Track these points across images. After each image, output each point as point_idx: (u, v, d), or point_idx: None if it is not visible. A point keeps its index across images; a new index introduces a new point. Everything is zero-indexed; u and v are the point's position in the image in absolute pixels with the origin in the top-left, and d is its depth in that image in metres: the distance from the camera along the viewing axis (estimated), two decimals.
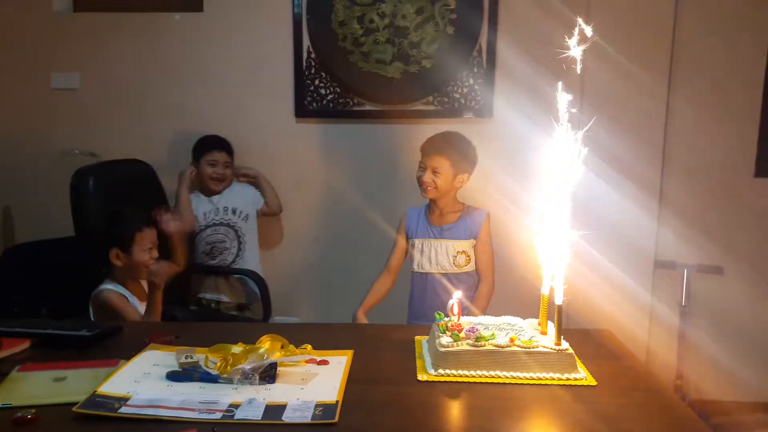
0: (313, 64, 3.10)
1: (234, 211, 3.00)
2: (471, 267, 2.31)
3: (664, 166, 2.93)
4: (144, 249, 2.06)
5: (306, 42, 3.09)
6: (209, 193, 2.99)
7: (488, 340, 1.44)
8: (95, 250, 2.15)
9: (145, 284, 2.12)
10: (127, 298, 2.07)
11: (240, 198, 3.03)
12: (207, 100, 3.17)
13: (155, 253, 2.09)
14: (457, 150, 2.26)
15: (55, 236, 3.17)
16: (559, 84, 1.49)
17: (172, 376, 1.38)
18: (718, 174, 2.94)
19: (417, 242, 2.32)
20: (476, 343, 1.43)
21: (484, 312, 2.29)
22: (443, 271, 2.29)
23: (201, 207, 2.98)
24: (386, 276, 2.39)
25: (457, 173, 2.25)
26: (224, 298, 2.96)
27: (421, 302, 2.30)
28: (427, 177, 2.22)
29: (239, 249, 3.01)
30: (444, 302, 1.70)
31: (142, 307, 2.07)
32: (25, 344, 1.60)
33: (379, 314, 2.44)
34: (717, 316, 2.99)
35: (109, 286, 2.08)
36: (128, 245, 2.06)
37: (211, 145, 2.97)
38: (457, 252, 2.28)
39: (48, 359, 1.50)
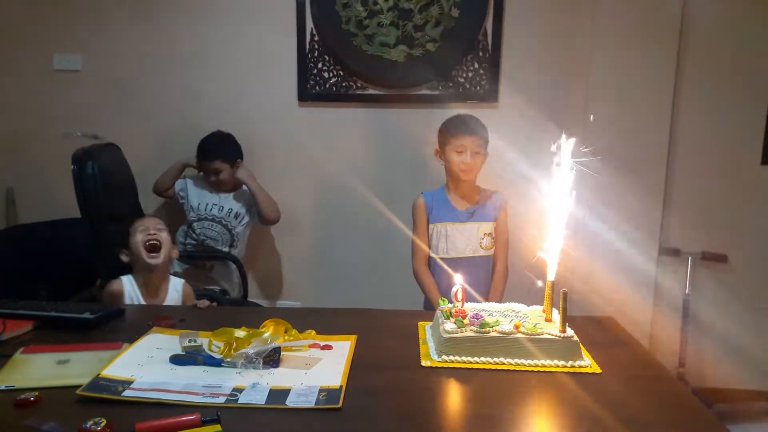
0: (316, 47, 3.07)
1: (237, 216, 2.94)
2: (493, 249, 2.31)
3: (670, 152, 2.90)
4: (139, 232, 2.07)
5: (309, 24, 3.05)
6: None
7: (492, 326, 1.44)
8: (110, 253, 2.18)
9: (167, 289, 2.12)
10: (120, 294, 2.05)
11: (247, 203, 2.97)
12: (209, 83, 3.14)
13: (152, 231, 2.07)
14: (486, 130, 2.27)
15: (58, 217, 3.19)
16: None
17: (176, 360, 1.38)
18: (724, 161, 2.92)
19: (441, 227, 2.27)
20: (480, 329, 1.43)
21: (503, 296, 2.28)
22: (471, 255, 2.26)
23: (205, 198, 2.94)
24: (427, 268, 2.32)
25: (487, 154, 2.27)
26: (211, 287, 2.93)
27: (448, 288, 2.25)
28: (470, 159, 2.19)
29: (228, 252, 2.95)
30: (472, 287, 1.69)
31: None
32: (28, 326, 1.60)
33: (384, 301, 2.43)
34: (721, 304, 2.99)
35: (122, 278, 2.10)
36: (128, 241, 2.08)
37: (205, 154, 2.89)
38: (484, 234, 2.27)
39: (51, 341, 1.50)
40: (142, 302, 2.04)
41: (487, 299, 2.20)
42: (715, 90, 2.88)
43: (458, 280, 1.57)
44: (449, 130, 2.26)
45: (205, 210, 2.92)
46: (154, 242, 2.06)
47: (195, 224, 2.92)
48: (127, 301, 2.03)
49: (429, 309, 2.29)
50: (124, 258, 2.10)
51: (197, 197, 2.95)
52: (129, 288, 2.06)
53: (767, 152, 2.90)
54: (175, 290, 2.13)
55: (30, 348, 1.45)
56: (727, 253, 2.95)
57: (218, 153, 2.88)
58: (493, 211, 2.29)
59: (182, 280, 2.18)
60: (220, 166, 2.87)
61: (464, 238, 2.25)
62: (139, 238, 2.05)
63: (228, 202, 2.94)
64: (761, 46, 2.84)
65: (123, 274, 2.11)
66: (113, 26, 3.13)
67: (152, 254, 2.05)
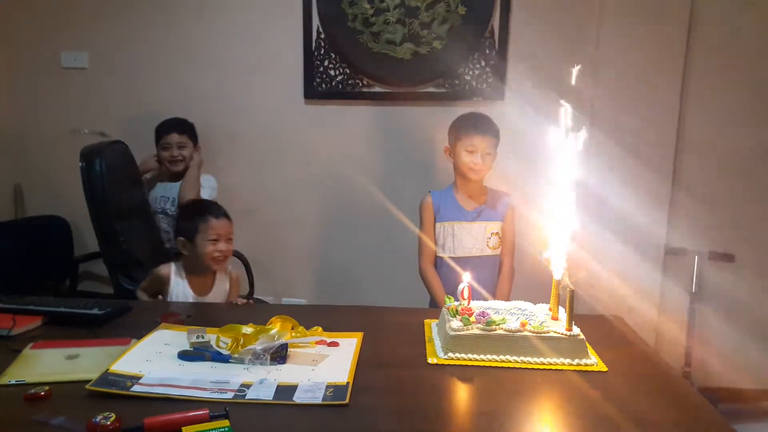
0: (322, 44, 3.07)
1: (173, 203, 2.91)
2: (500, 249, 2.30)
3: (677, 151, 2.90)
4: (207, 239, 2.03)
5: (315, 22, 3.05)
6: (173, 178, 2.94)
7: (499, 324, 1.44)
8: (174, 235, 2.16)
9: (214, 280, 2.12)
10: (167, 279, 2.07)
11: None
12: (215, 80, 3.15)
13: (222, 246, 2.05)
14: (498, 131, 2.26)
15: (64, 213, 3.21)
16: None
17: (184, 356, 1.39)
18: (731, 159, 2.90)
19: (448, 226, 2.26)
20: (487, 327, 1.43)
21: (509, 295, 2.27)
22: (479, 255, 2.25)
23: (159, 191, 2.94)
24: (433, 267, 2.31)
25: (496, 154, 2.26)
26: None
27: (455, 288, 2.25)
28: (481, 159, 2.19)
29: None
30: (478, 286, 1.68)
31: (192, 300, 2.06)
32: (37, 321, 1.61)
33: (390, 299, 2.44)
34: (727, 304, 2.98)
35: (171, 264, 2.10)
36: (192, 235, 2.05)
37: (164, 128, 2.92)
38: (491, 234, 2.26)
39: (60, 337, 1.51)
40: (188, 289, 2.06)
41: (493, 299, 2.20)
42: (724, 87, 2.87)
43: (466, 279, 1.57)
44: (461, 129, 2.24)
45: (156, 203, 2.93)
46: (222, 257, 2.06)
47: (156, 216, 2.94)
48: (173, 286, 2.05)
49: (434, 307, 2.29)
50: (183, 250, 2.08)
51: (151, 192, 2.97)
52: (176, 275, 2.07)
53: None
54: (222, 278, 2.14)
55: (39, 343, 1.47)
56: (734, 253, 2.94)
57: (171, 125, 2.93)
58: (500, 211, 2.28)
59: (229, 267, 2.18)
60: (186, 141, 2.92)
61: (471, 238, 2.25)
62: (209, 248, 2.02)
63: (173, 192, 2.93)
64: None
65: (130, 268, 2.12)
66: (121, 24, 3.14)
67: (217, 265, 2.07)
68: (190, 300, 2.05)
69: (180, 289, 2.06)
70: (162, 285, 2.06)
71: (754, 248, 2.94)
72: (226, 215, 2.11)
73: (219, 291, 2.12)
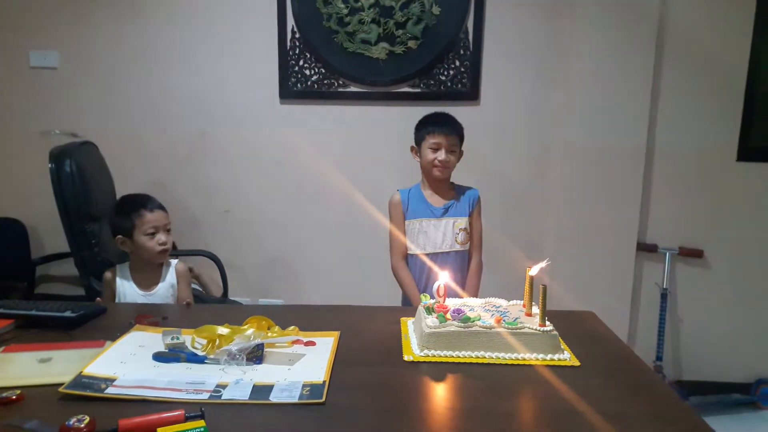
0: (297, 44, 3.07)
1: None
2: (468, 244, 2.33)
3: (648, 149, 2.95)
4: (145, 233, 2.02)
5: (290, 22, 3.05)
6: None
7: (474, 321, 1.45)
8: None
9: (161, 275, 2.10)
10: (112, 282, 2.05)
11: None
12: (189, 81, 3.13)
13: (163, 237, 2.03)
14: (461, 128, 2.29)
15: (21, 216, 3.16)
16: None
17: (159, 357, 1.38)
18: (701, 158, 2.97)
19: (417, 223, 2.29)
20: (462, 324, 1.45)
21: (478, 289, 2.31)
22: (447, 250, 2.28)
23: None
24: (405, 264, 2.33)
25: (462, 152, 2.29)
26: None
27: (427, 283, 2.28)
28: (446, 156, 2.22)
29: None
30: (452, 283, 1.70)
31: (142, 297, 2.05)
32: (9, 325, 1.58)
33: (367, 298, 2.45)
34: (697, 298, 3.05)
35: (116, 267, 2.09)
36: (129, 231, 2.03)
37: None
38: (459, 229, 2.29)
39: (32, 340, 1.49)
40: (134, 287, 2.05)
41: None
42: (693, 88, 2.94)
43: (443, 278, 1.58)
44: (425, 127, 2.28)
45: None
46: (167, 249, 2.05)
47: None
48: (118, 286, 2.04)
49: (407, 305, 2.31)
50: (124, 247, 2.06)
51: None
52: (119, 276, 2.06)
53: (743, 149, 2.96)
54: (169, 272, 2.12)
55: (11, 347, 1.44)
56: (702, 249, 3.01)
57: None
58: (467, 207, 2.32)
59: (176, 260, 2.16)
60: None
61: (440, 234, 2.28)
62: (148, 242, 2.02)
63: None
64: (737, 47, 2.89)
65: (102, 270, 2.10)
66: (92, 22, 3.10)
67: (160, 257, 2.06)
68: (139, 297, 2.04)
69: (126, 288, 2.05)
70: (112, 288, 2.05)
71: (722, 244, 3.02)
72: (160, 207, 2.10)
73: (167, 285, 2.10)
